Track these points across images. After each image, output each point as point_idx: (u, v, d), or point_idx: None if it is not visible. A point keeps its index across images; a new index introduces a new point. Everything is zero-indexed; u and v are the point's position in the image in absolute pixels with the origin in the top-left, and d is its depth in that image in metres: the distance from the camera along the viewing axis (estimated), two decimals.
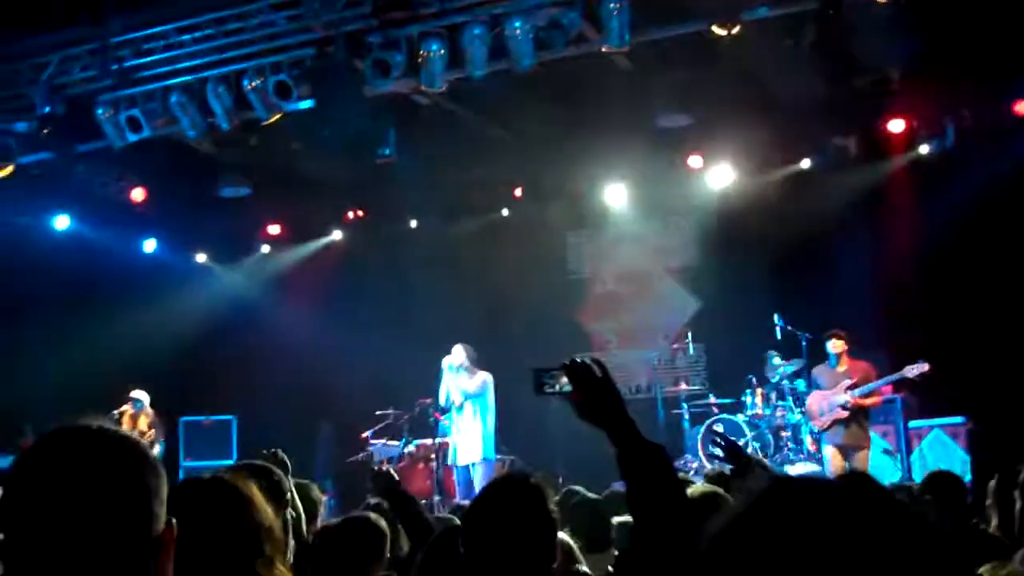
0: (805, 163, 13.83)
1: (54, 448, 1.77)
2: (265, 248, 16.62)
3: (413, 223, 15.70)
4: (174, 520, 1.79)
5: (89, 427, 1.80)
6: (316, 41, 10.28)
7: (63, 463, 1.73)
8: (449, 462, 12.72)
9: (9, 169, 11.78)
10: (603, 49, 9.66)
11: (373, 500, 6.26)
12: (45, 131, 11.28)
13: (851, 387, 11.35)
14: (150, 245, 15.96)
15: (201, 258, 16.49)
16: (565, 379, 2.82)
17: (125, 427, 9.10)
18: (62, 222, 14.33)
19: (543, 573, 2.96)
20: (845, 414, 11.31)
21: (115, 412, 12.96)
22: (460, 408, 12.38)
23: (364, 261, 15.98)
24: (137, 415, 13.55)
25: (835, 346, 11.59)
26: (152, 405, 13.80)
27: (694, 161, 14.06)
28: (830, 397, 11.46)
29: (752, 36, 9.53)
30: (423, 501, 12.59)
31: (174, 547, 1.78)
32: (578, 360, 2.82)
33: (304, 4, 10.14)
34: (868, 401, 11.46)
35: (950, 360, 12.01)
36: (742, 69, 11.22)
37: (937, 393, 12.34)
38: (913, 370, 11.23)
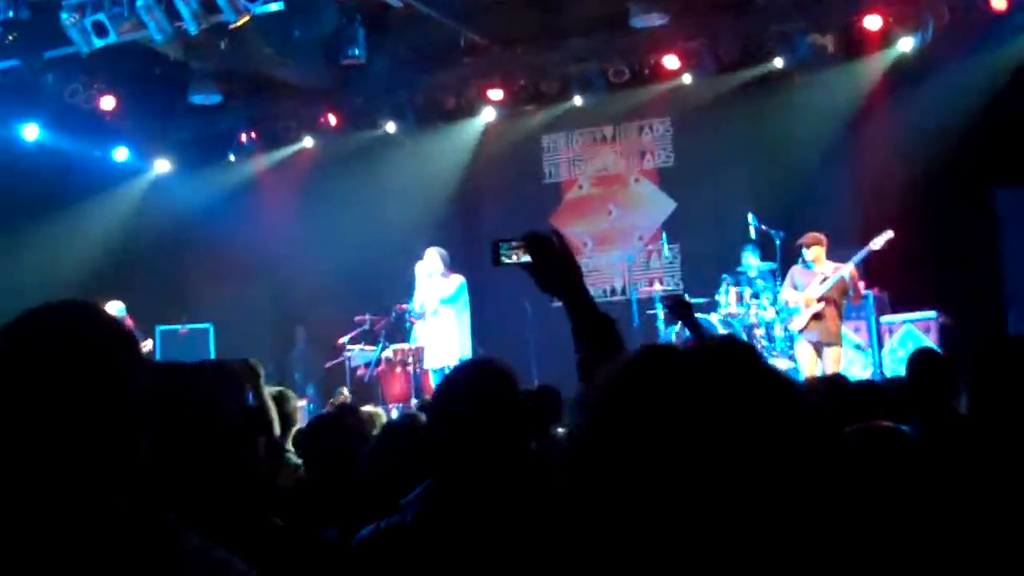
0: (779, 62, 13.71)
1: (30, 317, 1.80)
2: (236, 155, 16.46)
3: (387, 128, 15.55)
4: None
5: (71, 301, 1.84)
6: None
7: (37, 331, 1.76)
8: (426, 366, 12.81)
9: None
10: None
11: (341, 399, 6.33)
12: (10, 37, 11.09)
13: (824, 280, 11.45)
14: (121, 153, 15.80)
15: (169, 165, 16.31)
16: (522, 250, 2.85)
17: None
18: (31, 131, 14.14)
19: (509, 454, 2.98)
20: (820, 306, 11.42)
21: None
22: (435, 311, 12.43)
23: (337, 166, 15.87)
24: None
25: (811, 253, 11.63)
26: (129, 314, 13.79)
27: (669, 61, 13.95)
28: (803, 293, 11.57)
29: None
30: (400, 405, 12.83)
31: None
32: (537, 232, 2.86)
33: None
34: (843, 293, 11.55)
35: (923, 256, 12.15)
36: None
37: (909, 289, 12.50)
38: (879, 241, 11.30)
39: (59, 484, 1.67)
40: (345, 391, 12.06)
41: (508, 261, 2.88)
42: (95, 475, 1.69)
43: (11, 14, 10.93)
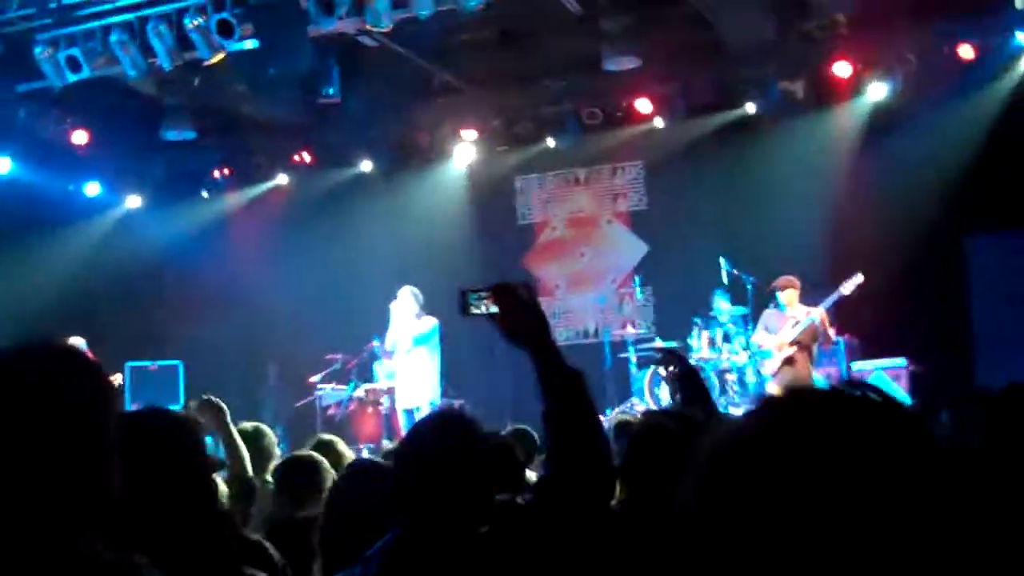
0: (751, 107, 13.81)
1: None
2: (210, 191, 16.40)
3: (361, 166, 15.54)
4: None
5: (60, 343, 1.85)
6: None
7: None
8: (397, 406, 12.75)
9: None
10: None
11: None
12: None
13: (796, 323, 11.50)
14: (93, 188, 15.71)
15: (141, 201, 16.23)
16: (491, 300, 2.84)
17: None
18: (3, 164, 14.04)
19: (475, 503, 2.94)
20: (792, 351, 11.47)
21: None
22: (408, 351, 12.39)
23: (311, 204, 15.83)
24: None
25: (784, 296, 11.71)
26: (90, 351, 13.64)
27: (642, 104, 14.03)
28: (775, 337, 11.61)
29: None
30: (371, 445, 12.75)
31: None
32: (506, 283, 2.85)
33: None
34: (814, 338, 11.59)
35: (893, 303, 12.20)
36: (691, 11, 11.19)
37: (880, 335, 12.55)
38: (848, 285, 11.38)
39: (32, 527, 1.66)
40: (327, 436, 11.95)
41: (476, 311, 2.86)
42: (68, 517, 1.69)
43: None
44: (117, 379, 13.25)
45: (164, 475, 2.49)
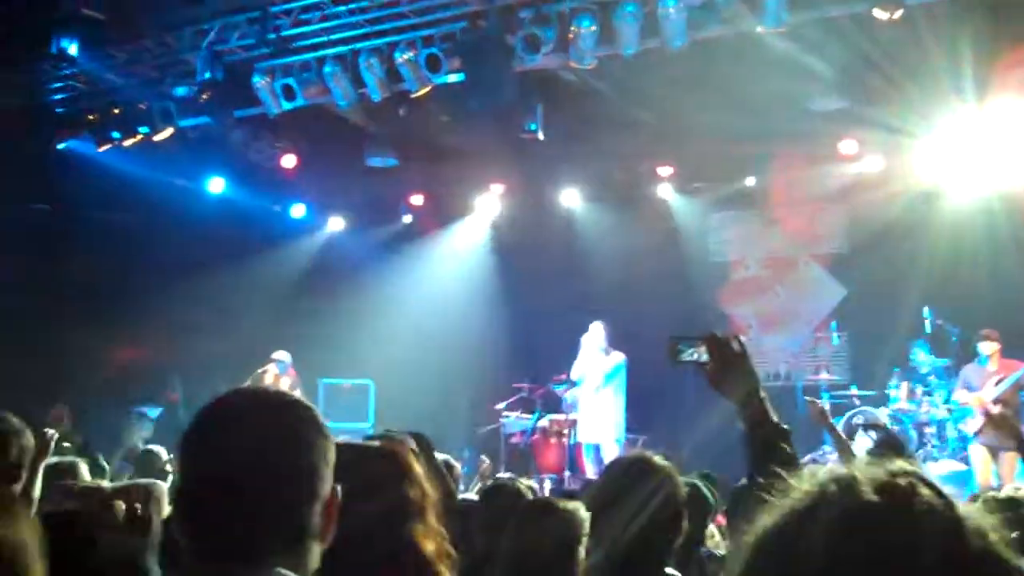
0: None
1: (235, 406, 1.88)
2: (408, 217, 16.82)
3: (557, 198, 15.67)
4: (339, 487, 1.87)
5: (265, 389, 1.92)
6: (468, 15, 10.33)
7: (241, 422, 1.84)
8: (580, 439, 12.73)
9: (168, 132, 12.17)
10: (758, 29, 9.44)
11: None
12: (204, 96, 11.61)
13: (999, 381, 10.97)
14: (298, 210, 16.33)
15: (344, 224, 16.78)
16: (702, 349, 2.82)
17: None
18: (217, 185, 14.76)
19: (665, 549, 2.94)
20: (995, 409, 10.93)
21: (258, 371, 13.31)
22: (598, 388, 12.38)
23: (509, 235, 16.05)
24: (279, 376, 13.89)
25: (986, 347, 11.20)
26: (293, 366, 14.14)
27: (847, 146, 13.67)
28: (978, 394, 11.09)
29: (914, 18, 9.16)
30: (553, 476, 12.76)
31: (337, 509, 1.87)
32: (718, 334, 2.83)
33: None
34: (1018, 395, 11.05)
35: None
36: (900, 54, 10.82)
37: None
38: None
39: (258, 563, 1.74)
40: (486, 459, 12.05)
41: (688, 359, 2.85)
42: (288, 556, 1.78)
43: (208, 75, 11.45)
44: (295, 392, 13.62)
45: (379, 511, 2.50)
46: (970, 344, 11.62)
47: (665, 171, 14.87)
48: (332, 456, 1.88)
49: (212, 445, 1.81)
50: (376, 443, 2.90)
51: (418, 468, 2.75)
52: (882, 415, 12.38)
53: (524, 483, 5.98)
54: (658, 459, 3.35)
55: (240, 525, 1.76)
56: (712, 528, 4.86)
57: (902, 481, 1.20)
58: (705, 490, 5.08)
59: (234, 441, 1.80)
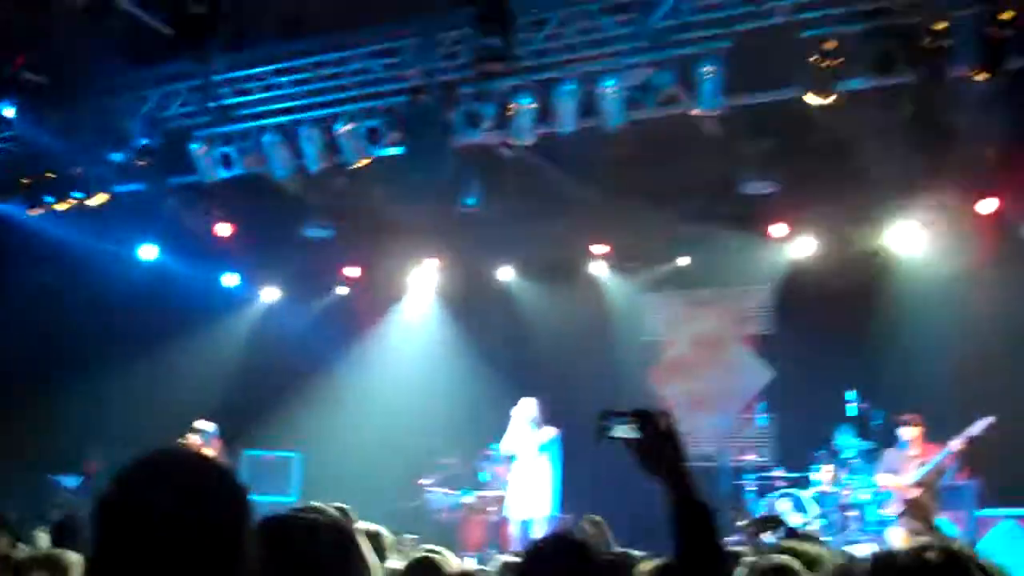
0: (888, 236, 13.61)
1: (155, 471, 1.82)
2: (341, 289, 16.77)
3: (494, 274, 15.76)
4: (257, 557, 1.83)
5: (193, 452, 1.85)
6: (409, 89, 10.44)
7: (164, 486, 1.77)
8: (510, 516, 12.64)
9: (104, 198, 12.06)
10: (694, 112, 9.67)
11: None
12: (140, 163, 11.56)
13: (921, 464, 11.13)
14: (231, 279, 16.20)
15: (277, 294, 16.67)
16: (630, 426, 2.78)
17: None
18: (149, 252, 14.60)
19: None
20: (917, 492, 11.08)
21: (179, 441, 13.04)
22: (528, 461, 12.33)
23: (443, 308, 16.07)
24: (202, 446, 13.62)
25: (907, 432, 11.36)
26: (218, 436, 13.89)
27: (776, 229, 13.98)
28: (899, 478, 11.25)
29: (846, 106, 9.45)
30: (478, 554, 12.64)
31: None
32: (648, 410, 2.82)
33: (402, 53, 10.31)
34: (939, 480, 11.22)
35: None
36: (832, 139, 11.14)
37: (1015, 481, 12.02)
38: (977, 426, 10.92)
39: None
40: (409, 537, 11.88)
41: (615, 436, 2.79)
42: None
43: (144, 141, 11.42)
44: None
45: None
46: (893, 427, 11.80)
47: (600, 249, 15.04)
48: (252, 524, 1.84)
49: (130, 508, 1.76)
50: (321, 516, 2.88)
51: (362, 541, 2.74)
52: (805, 497, 12.50)
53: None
54: (578, 535, 3.36)
55: None
56: None
57: None
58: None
59: (153, 503, 1.74)
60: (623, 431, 2.79)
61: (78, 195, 12.05)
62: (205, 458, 1.89)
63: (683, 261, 14.96)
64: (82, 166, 11.94)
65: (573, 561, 3.02)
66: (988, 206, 12.75)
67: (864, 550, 11.73)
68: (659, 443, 2.76)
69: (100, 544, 1.76)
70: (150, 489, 1.76)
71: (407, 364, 15.81)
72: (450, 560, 5.95)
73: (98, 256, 13.92)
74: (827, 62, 8.87)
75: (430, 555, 5.70)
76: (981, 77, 8.53)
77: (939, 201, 12.95)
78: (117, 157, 11.74)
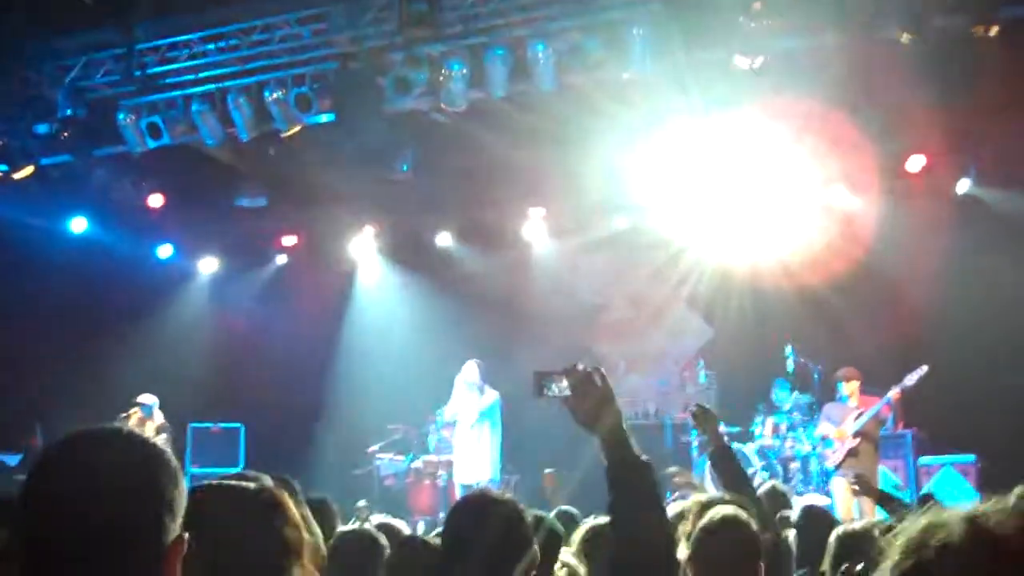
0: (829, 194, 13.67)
1: (78, 449, 1.79)
2: (280, 258, 16.61)
3: (429, 241, 15.68)
4: (186, 535, 1.80)
5: (117, 429, 1.82)
6: (339, 55, 10.33)
7: (85, 464, 1.75)
8: (455, 480, 12.68)
9: (29, 170, 11.80)
10: (624, 75, 9.65)
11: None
12: (65, 134, 11.33)
13: (859, 416, 11.33)
14: (165, 251, 15.97)
15: (214, 265, 16.47)
16: (565, 383, 2.87)
17: None
18: (79, 224, 14.35)
19: None
20: (856, 442, 11.28)
21: (122, 415, 12.91)
22: (472, 425, 12.35)
23: (376, 276, 15.99)
24: (144, 420, 13.49)
25: (847, 387, 11.56)
26: (160, 409, 13.76)
27: None
28: (840, 429, 11.43)
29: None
30: (427, 518, 12.68)
31: (179, 560, 1.79)
32: (579, 367, 2.86)
33: (329, 19, 10.18)
34: (878, 430, 11.42)
35: (963, 398, 11.92)
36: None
37: (949, 430, 12.25)
38: (912, 376, 11.15)
39: None
40: (362, 503, 11.91)
41: (550, 395, 2.90)
42: None
43: (68, 112, 11.18)
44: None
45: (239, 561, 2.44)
46: (831, 382, 11.97)
47: (537, 213, 15.00)
48: (181, 503, 1.80)
49: (52, 488, 1.73)
50: (251, 484, 2.83)
51: (294, 509, 2.71)
52: (748, 451, 12.66)
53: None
54: (498, 494, 3.39)
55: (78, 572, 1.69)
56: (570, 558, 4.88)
57: None
58: (556, 524, 5.14)
59: (74, 484, 1.72)
60: (557, 389, 2.89)
61: (2, 168, 11.79)
62: (134, 438, 1.84)
63: (620, 223, 14.92)
64: (5, 138, 11.66)
65: (487, 518, 3.06)
66: (916, 163, 12.87)
67: (808, 501, 11.92)
68: (593, 400, 2.83)
69: (23, 534, 1.74)
70: (68, 475, 1.74)
71: (351, 331, 15.75)
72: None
73: (27, 231, 13.66)
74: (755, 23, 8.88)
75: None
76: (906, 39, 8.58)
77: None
78: (42, 128, 11.50)
